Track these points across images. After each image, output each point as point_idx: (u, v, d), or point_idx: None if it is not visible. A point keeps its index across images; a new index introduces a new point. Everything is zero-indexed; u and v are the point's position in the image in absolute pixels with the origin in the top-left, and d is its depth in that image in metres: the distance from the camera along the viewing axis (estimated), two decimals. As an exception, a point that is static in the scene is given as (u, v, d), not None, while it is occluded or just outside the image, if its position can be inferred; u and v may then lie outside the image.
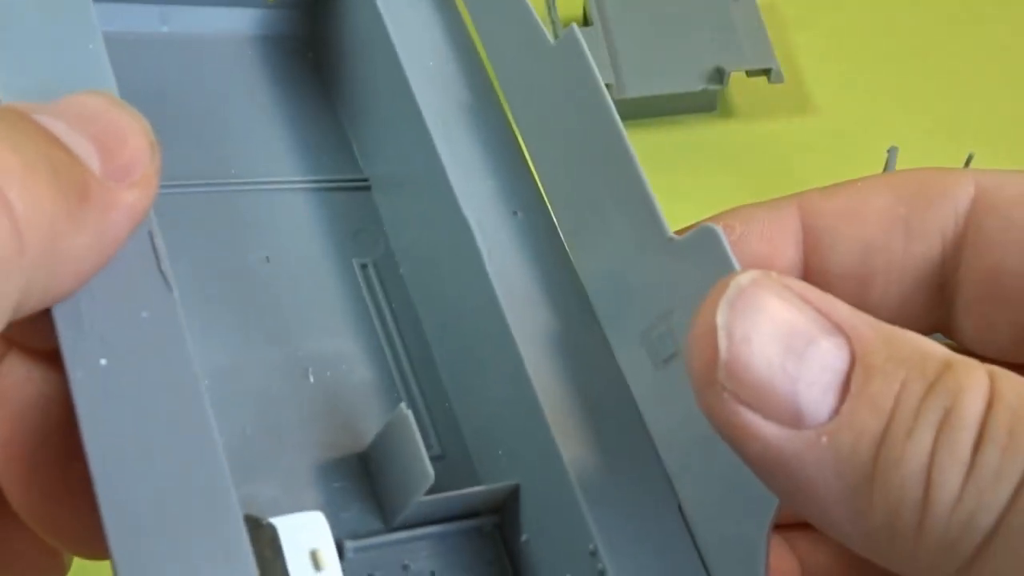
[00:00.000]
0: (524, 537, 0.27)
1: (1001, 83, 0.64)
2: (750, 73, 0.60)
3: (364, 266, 0.30)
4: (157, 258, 0.23)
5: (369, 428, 0.27)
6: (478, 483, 0.27)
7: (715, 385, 0.23)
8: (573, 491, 0.26)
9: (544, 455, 0.26)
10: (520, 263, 0.28)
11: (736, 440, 0.23)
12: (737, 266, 0.25)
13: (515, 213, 0.29)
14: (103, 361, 0.21)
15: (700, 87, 0.59)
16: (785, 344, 0.23)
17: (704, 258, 0.25)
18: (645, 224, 0.27)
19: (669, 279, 0.26)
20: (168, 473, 0.21)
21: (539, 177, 0.30)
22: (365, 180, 0.31)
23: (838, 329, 0.23)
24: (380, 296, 0.29)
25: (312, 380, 0.27)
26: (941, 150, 0.53)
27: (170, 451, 0.21)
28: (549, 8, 0.60)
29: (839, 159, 0.54)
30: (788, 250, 0.30)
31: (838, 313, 0.23)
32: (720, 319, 0.23)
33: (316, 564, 0.23)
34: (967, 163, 0.53)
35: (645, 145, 0.58)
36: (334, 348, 0.28)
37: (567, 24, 0.60)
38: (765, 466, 0.23)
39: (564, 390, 0.27)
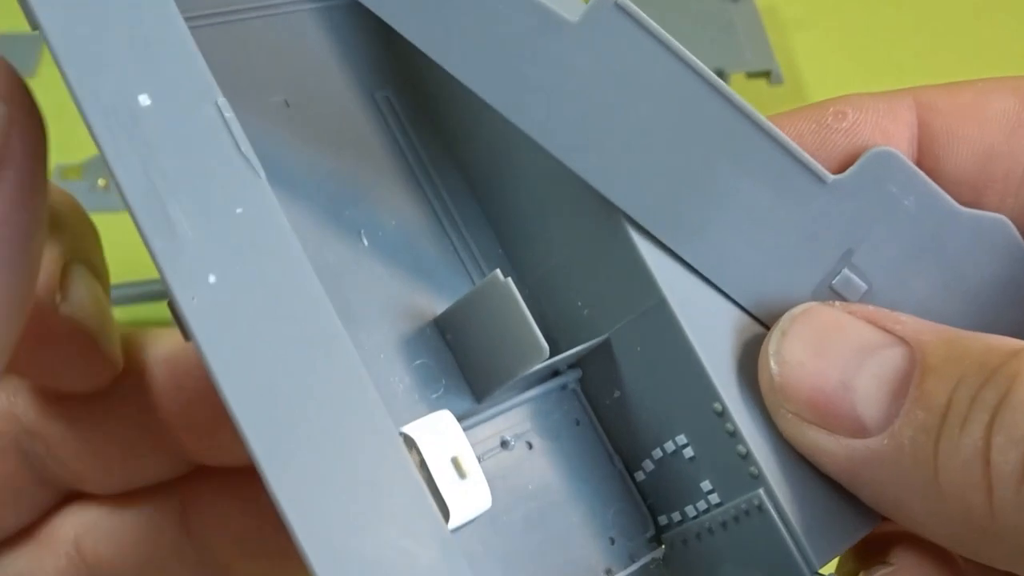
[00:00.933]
0: (616, 394, 0.27)
1: None
2: (750, 75, 0.60)
3: (387, 99, 0.27)
4: (235, 141, 0.20)
5: (435, 290, 0.26)
6: (548, 338, 0.24)
7: (780, 409, 0.25)
8: (690, 347, 0.25)
9: (647, 303, 0.25)
10: None
11: (812, 458, 0.25)
12: (923, 177, 0.26)
13: None
14: (212, 278, 0.19)
15: None
16: (839, 361, 0.24)
17: (882, 183, 0.26)
18: (790, 174, 0.25)
19: (839, 221, 0.26)
20: (315, 394, 0.19)
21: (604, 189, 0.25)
22: None
23: (899, 340, 0.24)
24: (411, 135, 0.27)
25: (366, 243, 0.25)
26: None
27: (312, 371, 0.19)
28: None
29: None
30: (902, 145, 0.28)
31: (901, 325, 0.24)
32: (772, 347, 0.25)
33: (460, 472, 0.22)
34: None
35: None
36: (379, 202, 0.26)
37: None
38: (843, 478, 0.24)
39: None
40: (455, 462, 0.23)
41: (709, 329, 0.26)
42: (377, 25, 0.25)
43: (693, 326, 0.26)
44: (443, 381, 0.25)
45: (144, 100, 0.19)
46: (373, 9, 0.24)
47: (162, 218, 0.19)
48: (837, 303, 0.26)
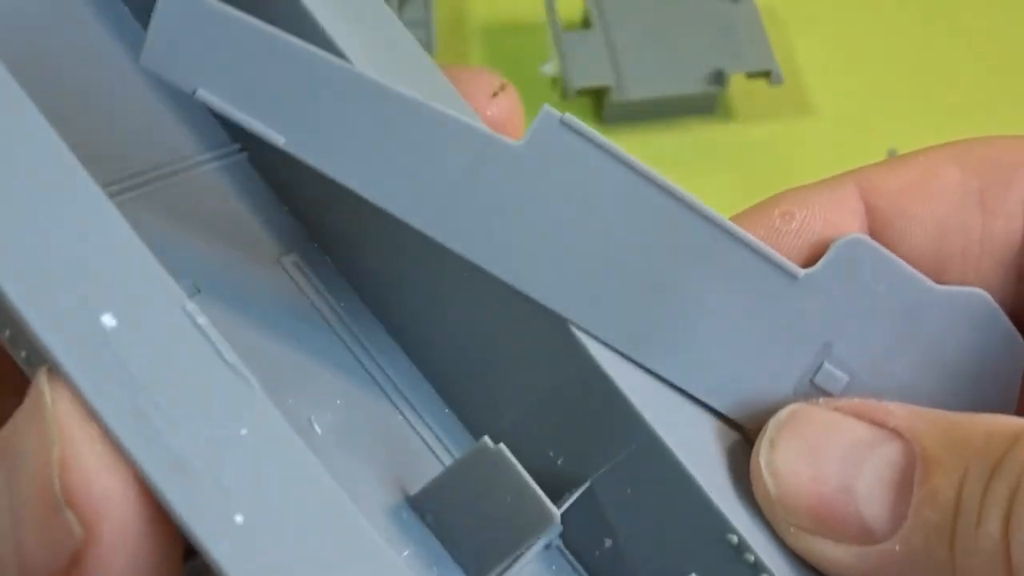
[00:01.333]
0: (607, 543, 0.25)
1: (1001, 84, 0.64)
2: (750, 75, 0.59)
3: (296, 264, 0.25)
4: (217, 351, 0.18)
5: (400, 469, 0.24)
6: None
7: (782, 523, 0.23)
8: (692, 482, 0.23)
9: (634, 441, 0.24)
10: None
11: (823, 569, 0.23)
12: (894, 259, 0.25)
13: None
14: (239, 518, 0.17)
15: (700, 89, 0.59)
16: (835, 464, 0.23)
17: (853, 272, 0.25)
18: (761, 275, 0.24)
19: (815, 315, 0.25)
20: None
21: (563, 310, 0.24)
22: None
23: (893, 435, 0.23)
24: (328, 298, 0.25)
25: (319, 430, 0.24)
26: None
27: None
28: (549, 11, 0.60)
29: (839, 161, 0.54)
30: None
31: (892, 417, 0.23)
32: (763, 459, 0.24)
33: None
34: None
35: (645, 147, 0.58)
36: (318, 380, 0.24)
37: (567, 27, 0.61)
38: None
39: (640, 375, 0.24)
40: None
41: (704, 456, 0.24)
42: (275, 181, 0.25)
43: (691, 459, 0.24)
44: (435, 570, 0.23)
45: (108, 320, 0.17)
46: (299, 155, 0.22)
47: (168, 457, 0.17)
48: (822, 400, 0.25)
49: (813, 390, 0.26)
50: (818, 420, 0.24)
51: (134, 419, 0.17)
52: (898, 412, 0.23)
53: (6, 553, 0.18)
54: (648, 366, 0.24)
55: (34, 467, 0.17)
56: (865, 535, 0.23)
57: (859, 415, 0.23)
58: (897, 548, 0.22)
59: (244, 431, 0.18)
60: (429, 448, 0.25)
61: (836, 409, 0.24)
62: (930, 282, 0.25)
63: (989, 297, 0.25)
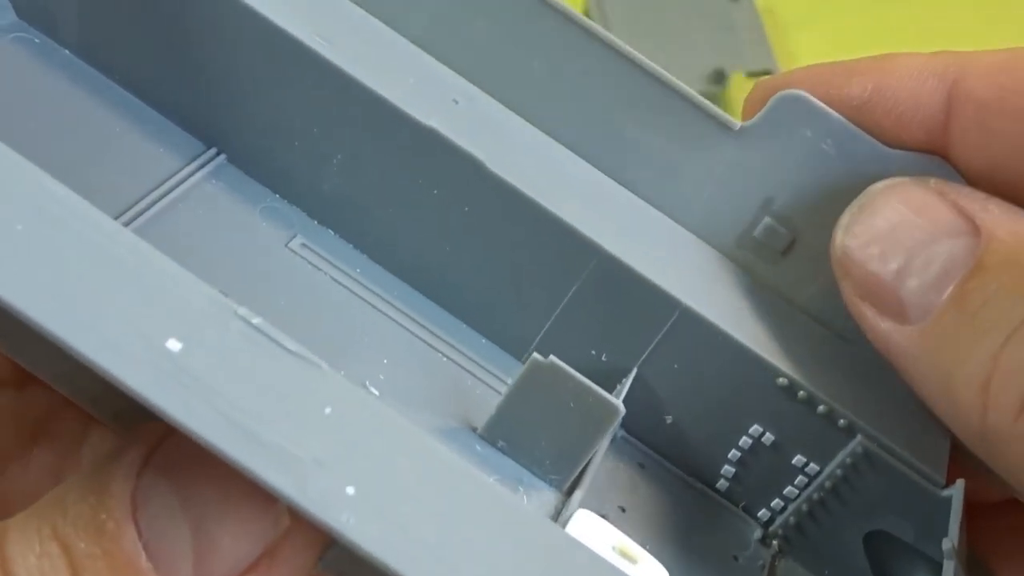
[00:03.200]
0: (668, 419, 0.26)
1: None
2: (750, 75, 0.59)
3: (303, 245, 0.26)
4: (280, 344, 0.19)
5: (460, 408, 0.25)
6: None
7: (841, 281, 0.24)
8: (732, 339, 0.25)
9: (669, 319, 0.25)
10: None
11: (863, 331, 0.24)
12: (839, 119, 0.25)
13: (455, 101, 0.26)
14: (350, 490, 0.18)
15: (700, 88, 0.58)
16: (896, 243, 0.23)
17: (793, 128, 0.25)
18: (695, 124, 0.26)
19: (754, 169, 0.26)
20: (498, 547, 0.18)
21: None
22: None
23: (974, 230, 0.23)
24: (342, 267, 0.26)
25: (376, 392, 0.24)
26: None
27: (484, 525, 0.19)
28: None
29: None
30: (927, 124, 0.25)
31: (986, 214, 0.23)
32: (845, 219, 0.24)
33: (630, 559, 0.22)
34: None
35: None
36: (360, 347, 0.25)
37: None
38: (884, 356, 0.24)
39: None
40: (622, 552, 0.22)
41: (734, 313, 0.26)
42: (258, 172, 0.26)
43: (723, 319, 0.25)
44: (520, 489, 0.24)
45: (174, 345, 0.18)
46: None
47: (268, 453, 0.17)
48: (933, 180, 0.24)
49: (755, 244, 0.27)
50: (913, 196, 0.24)
51: (228, 428, 0.18)
52: (994, 211, 0.23)
53: None
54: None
55: None
56: (899, 314, 0.23)
57: (956, 203, 0.23)
58: (915, 335, 0.23)
59: (328, 410, 0.18)
60: (481, 380, 0.26)
61: (939, 192, 0.24)
62: (882, 145, 0.25)
63: (948, 164, 0.25)
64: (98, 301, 0.18)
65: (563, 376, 0.23)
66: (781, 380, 0.25)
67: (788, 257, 0.27)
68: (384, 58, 0.26)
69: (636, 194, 0.27)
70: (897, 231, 0.24)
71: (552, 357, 0.23)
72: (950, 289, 0.23)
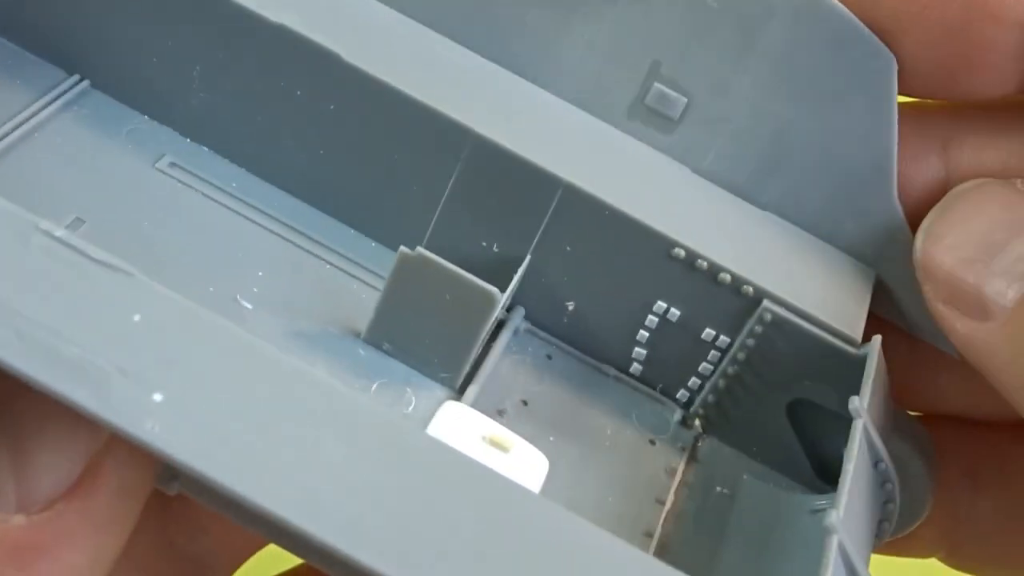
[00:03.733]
0: (570, 306, 0.25)
1: None
2: None
3: (172, 164, 0.25)
4: (85, 253, 0.18)
5: (340, 313, 0.24)
6: None
7: (923, 284, 0.24)
8: (620, 213, 0.24)
9: (552, 199, 0.24)
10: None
11: (945, 335, 0.24)
12: None
13: None
14: (157, 396, 0.17)
15: None
16: (981, 243, 0.23)
17: None
18: None
19: (635, 31, 0.25)
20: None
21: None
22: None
23: None
24: (209, 179, 0.25)
25: (249, 306, 0.23)
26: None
27: (323, 421, 0.18)
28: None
29: None
30: None
31: None
32: (926, 222, 0.24)
33: (502, 448, 0.22)
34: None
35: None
36: (230, 262, 0.24)
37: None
38: (967, 357, 0.24)
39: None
40: (492, 441, 0.22)
41: (617, 186, 0.24)
42: (126, 95, 0.25)
43: (608, 193, 0.24)
44: (407, 391, 0.23)
45: None
46: None
47: (67, 366, 0.17)
48: (1020, 181, 0.24)
49: (647, 112, 0.25)
50: (1000, 196, 0.24)
51: (23, 345, 0.17)
52: None
53: None
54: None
55: None
56: (983, 312, 0.23)
57: None
58: (1000, 330, 0.23)
59: (136, 317, 0.18)
60: (367, 284, 0.25)
61: (1017, 189, 0.24)
62: None
63: (837, 3, 0.24)
64: None
65: (433, 266, 0.22)
66: (677, 251, 0.24)
67: (683, 123, 0.25)
68: None
69: (517, 73, 0.26)
70: (981, 232, 0.24)
71: (419, 248, 0.22)
72: None
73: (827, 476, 0.25)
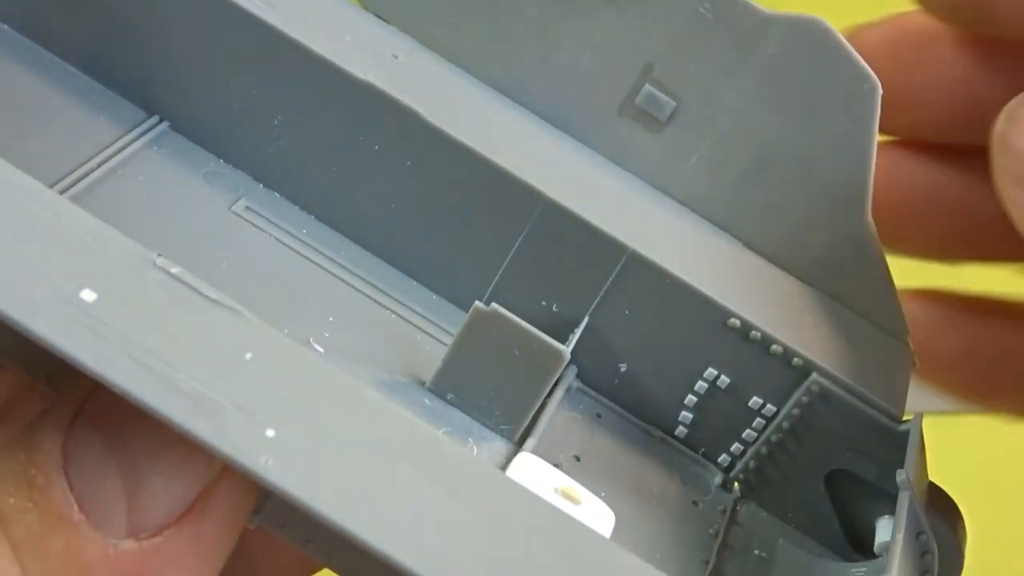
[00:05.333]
0: (623, 368, 0.26)
1: None
2: None
3: (247, 208, 0.26)
4: (198, 291, 0.19)
5: (407, 362, 0.25)
6: None
7: (994, 163, 0.25)
8: (681, 282, 0.25)
9: (616, 264, 0.25)
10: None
11: (1009, 213, 0.24)
12: None
13: (395, 56, 0.26)
14: (270, 433, 0.18)
15: None
16: None
17: None
18: None
19: (631, 33, 0.26)
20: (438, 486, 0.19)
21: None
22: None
23: None
24: (285, 227, 0.26)
25: (321, 349, 0.24)
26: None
27: (420, 468, 0.19)
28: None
29: None
30: None
31: None
32: (1012, 102, 0.24)
33: (573, 500, 0.22)
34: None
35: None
36: (305, 305, 0.25)
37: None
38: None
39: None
40: (565, 494, 0.23)
41: (682, 257, 0.25)
42: (202, 138, 0.26)
43: (667, 259, 0.25)
44: (469, 440, 0.24)
45: (88, 296, 0.18)
46: None
47: (185, 398, 0.17)
48: None
49: (637, 113, 0.27)
50: None
51: (144, 376, 0.17)
52: None
53: None
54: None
55: None
56: None
57: None
58: None
59: (248, 355, 0.18)
60: (432, 336, 0.26)
61: None
62: (763, 8, 0.25)
63: (827, 24, 0.25)
64: (16, 257, 0.18)
65: (505, 323, 0.23)
66: (733, 321, 0.25)
67: (670, 125, 0.27)
68: (320, 17, 0.26)
69: (511, 55, 0.27)
70: None
71: (494, 304, 0.23)
72: None
73: (857, 545, 0.26)
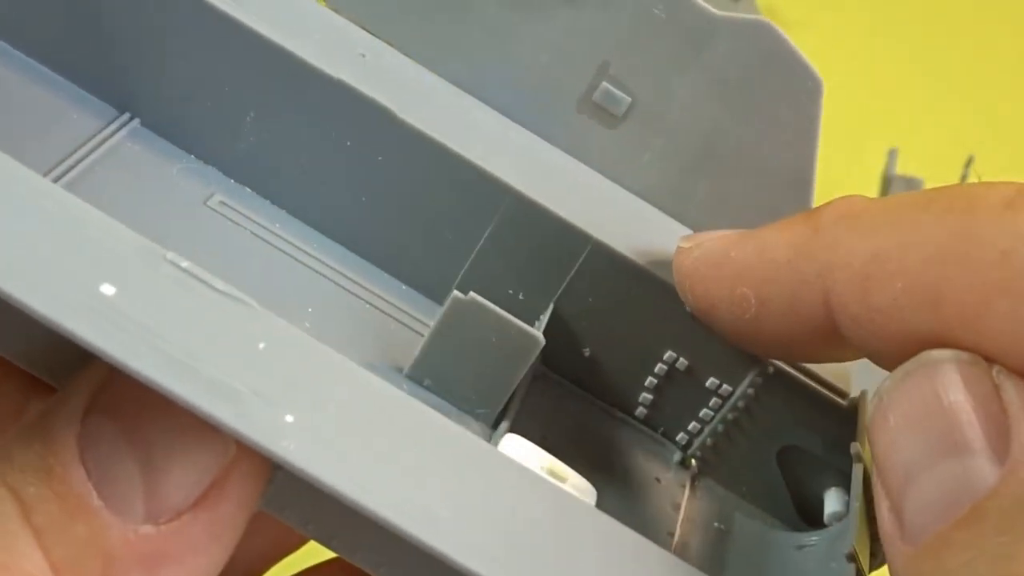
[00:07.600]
0: (586, 352, 0.27)
1: (1002, 85, 0.64)
2: None
3: (221, 203, 0.27)
4: (210, 285, 0.20)
5: (386, 348, 0.26)
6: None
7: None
8: (640, 269, 0.26)
9: (580, 255, 0.26)
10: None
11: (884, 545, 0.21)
12: None
13: (363, 55, 0.27)
14: (289, 418, 0.19)
15: None
16: (922, 442, 0.20)
17: None
18: None
19: (589, 33, 0.27)
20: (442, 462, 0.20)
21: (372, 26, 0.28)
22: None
23: (998, 461, 0.19)
24: (259, 221, 0.27)
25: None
26: (942, 152, 0.54)
27: (424, 443, 0.20)
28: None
29: (839, 161, 0.52)
30: None
31: (1019, 438, 0.19)
32: (887, 382, 0.21)
33: (559, 478, 0.23)
34: (967, 165, 0.52)
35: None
36: (284, 300, 0.26)
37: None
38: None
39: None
40: (551, 471, 0.24)
41: (633, 238, 0.27)
42: (172, 134, 0.27)
43: (629, 247, 0.26)
44: (454, 417, 0.25)
45: (108, 289, 0.19)
46: None
47: (206, 385, 0.18)
48: (965, 355, 0.20)
49: (595, 109, 0.28)
50: (955, 384, 0.20)
51: (169, 365, 0.18)
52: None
53: None
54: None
55: None
56: (895, 531, 0.20)
57: (992, 420, 0.19)
58: (908, 556, 0.20)
59: (262, 344, 0.19)
60: (404, 325, 0.27)
61: (970, 395, 0.20)
62: (712, 10, 0.27)
63: (774, 26, 0.27)
64: (32, 253, 0.18)
65: (484, 311, 0.24)
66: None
67: (626, 120, 0.28)
68: (289, 16, 0.26)
69: (469, 56, 0.28)
70: (926, 426, 0.20)
71: (472, 293, 0.24)
72: (947, 527, 0.19)
73: (807, 516, 0.28)
